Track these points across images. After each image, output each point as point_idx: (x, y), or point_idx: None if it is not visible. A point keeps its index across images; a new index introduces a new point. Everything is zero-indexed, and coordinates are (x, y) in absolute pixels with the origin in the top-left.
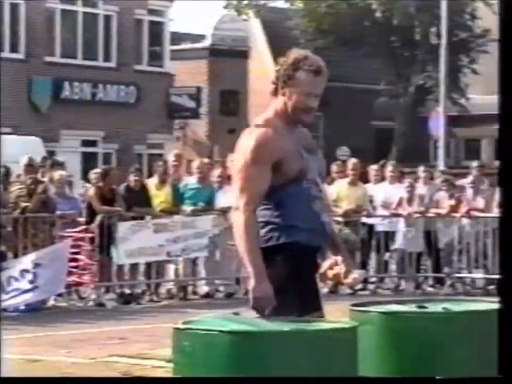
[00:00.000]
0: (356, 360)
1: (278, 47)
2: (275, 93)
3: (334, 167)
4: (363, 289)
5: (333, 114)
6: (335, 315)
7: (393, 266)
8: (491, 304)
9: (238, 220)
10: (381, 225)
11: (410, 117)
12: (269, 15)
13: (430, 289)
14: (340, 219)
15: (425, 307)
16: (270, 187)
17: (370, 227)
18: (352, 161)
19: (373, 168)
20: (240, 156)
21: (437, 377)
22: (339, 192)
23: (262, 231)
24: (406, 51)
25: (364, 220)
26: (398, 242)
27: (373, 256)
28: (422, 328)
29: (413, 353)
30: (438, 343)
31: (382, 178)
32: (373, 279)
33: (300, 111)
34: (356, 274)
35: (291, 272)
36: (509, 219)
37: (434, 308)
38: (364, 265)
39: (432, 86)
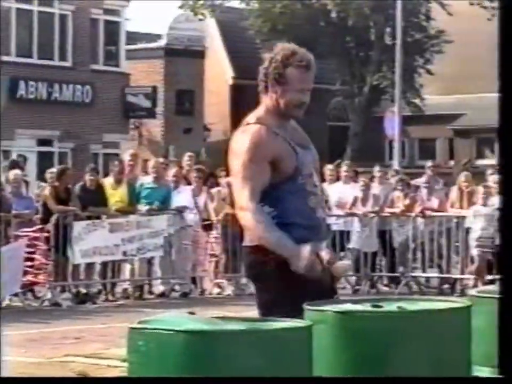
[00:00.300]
0: (310, 359)
1: (233, 47)
2: (265, 90)
3: None
4: None
5: None
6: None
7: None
8: (446, 303)
9: (246, 217)
10: (336, 225)
11: (365, 117)
12: (224, 15)
13: (385, 288)
14: None
15: (380, 306)
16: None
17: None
18: None
19: (327, 168)
20: (236, 156)
21: (438, 377)
22: None
23: None
24: (361, 51)
25: None
26: (353, 242)
27: None
28: (376, 327)
29: (368, 352)
30: (393, 342)
31: (337, 178)
32: None
33: (293, 107)
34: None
35: (289, 270)
36: (508, 220)
37: (389, 307)
38: None
39: (387, 86)
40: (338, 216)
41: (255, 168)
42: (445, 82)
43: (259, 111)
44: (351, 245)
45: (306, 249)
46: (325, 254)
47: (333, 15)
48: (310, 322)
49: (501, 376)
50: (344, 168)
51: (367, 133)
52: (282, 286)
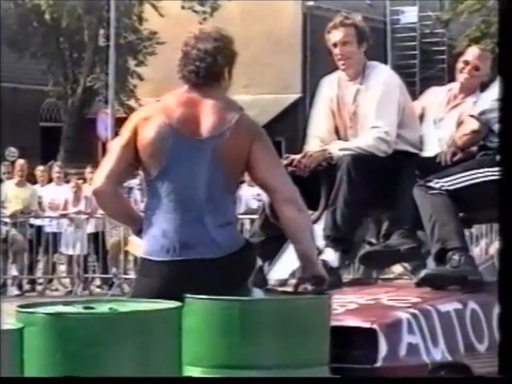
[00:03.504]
0: (21, 361)
1: None
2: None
3: (2, 168)
4: (31, 290)
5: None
6: (2, 317)
7: (61, 267)
8: (156, 304)
9: (302, 204)
10: (49, 226)
11: (78, 118)
12: None
13: (98, 289)
14: (7, 220)
15: (92, 307)
16: None
17: (39, 228)
18: (20, 162)
19: (39, 169)
20: (269, 142)
21: (437, 377)
22: (7, 193)
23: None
24: (74, 52)
25: (32, 221)
26: (64, 244)
27: (41, 257)
28: (87, 328)
29: (79, 354)
30: (104, 343)
31: (49, 180)
32: (41, 280)
33: None
34: None
35: None
36: (508, 222)
37: (101, 308)
38: (31, 267)
39: (101, 88)
40: (52, 217)
41: None
42: (157, 84)
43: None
44: (63, 247)
45: None
46: None
47: (47, 16)
48: (21, 325)
49: (501, 376)
50: (56, 169)
51: (80, 134)
52: None
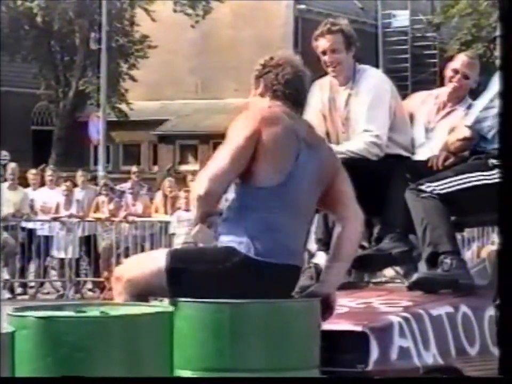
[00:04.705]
0: (13, 365)
1: None
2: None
3: None
4: (23, 293)
5: None
6: None
7: (53, 271)
8: (148, 308)
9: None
10: (41, 230)
11: (69, 121)
12: None
13: (89, 293)
14: None
15: (83, 311)
16: None
17: (30, 231)
18: (11, 165)
19: (31, 173)
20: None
21: (438, 377)
22: None
23: None
24: (66, 56)
25: (24, 224)
26: (56, 248)
27: (33, 261)
28: (78, 332)
29: (69, 357)
30: (95, 345)
31: (42, 183)
32: (33, 284)
33: None
34: None
35: None
36: (508, 226)
37: (93, 312)
38: (23, 270)
39: (92, 91)
40: (44, 221)
41: None
42: (148, 88)
43: None
44: (54, 251)
45: None
46: None
47: (38, 19)
48: (13, 328)
49: (500, 376)
50: (48, 172)
51: (72, 138)
52: None
